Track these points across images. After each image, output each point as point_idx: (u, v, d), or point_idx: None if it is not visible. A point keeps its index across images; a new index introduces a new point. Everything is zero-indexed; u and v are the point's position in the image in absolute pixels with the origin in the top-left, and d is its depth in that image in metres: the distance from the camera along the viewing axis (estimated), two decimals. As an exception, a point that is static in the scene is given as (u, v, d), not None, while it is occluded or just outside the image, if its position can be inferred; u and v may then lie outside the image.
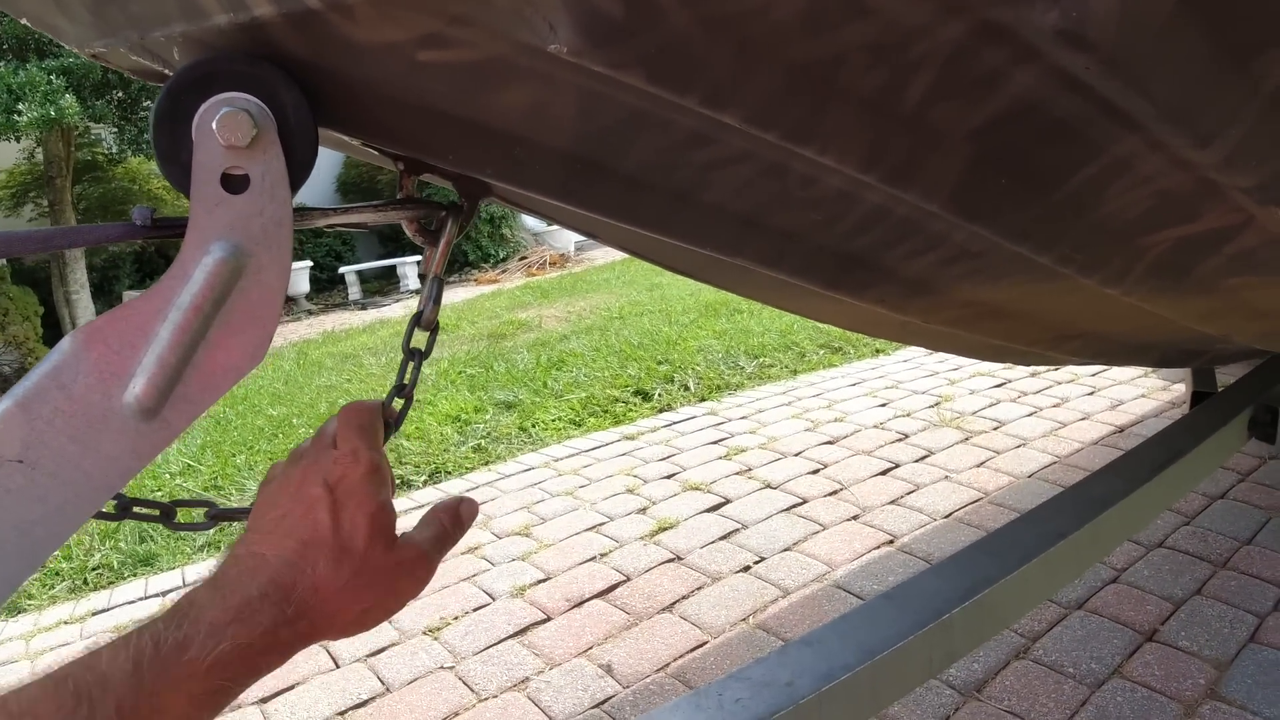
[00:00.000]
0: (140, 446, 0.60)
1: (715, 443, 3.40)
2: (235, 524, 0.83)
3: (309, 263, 12.67)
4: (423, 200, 0.78)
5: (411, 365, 0.79)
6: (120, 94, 10.45)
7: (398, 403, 0.77)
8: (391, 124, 0.67)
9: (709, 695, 1.04)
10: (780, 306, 1.25)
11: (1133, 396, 3.36)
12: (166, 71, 0.64)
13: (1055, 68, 0.53)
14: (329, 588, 0.53)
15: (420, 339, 0.79)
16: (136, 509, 0.80)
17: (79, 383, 0.58)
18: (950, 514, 2.51)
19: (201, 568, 2.90)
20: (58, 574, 2.98)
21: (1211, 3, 0.52)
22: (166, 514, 0.81)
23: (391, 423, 0.73)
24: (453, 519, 0.63)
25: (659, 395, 4.18)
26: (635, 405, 4.10)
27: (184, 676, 0.47)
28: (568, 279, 10.28)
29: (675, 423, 3.77)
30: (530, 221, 13.85)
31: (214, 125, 0.57)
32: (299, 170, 0.62)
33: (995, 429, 3.17)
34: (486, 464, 3.56)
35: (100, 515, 0.75)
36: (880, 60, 0.52)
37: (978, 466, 2.83)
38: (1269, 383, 2.01)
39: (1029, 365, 2.44)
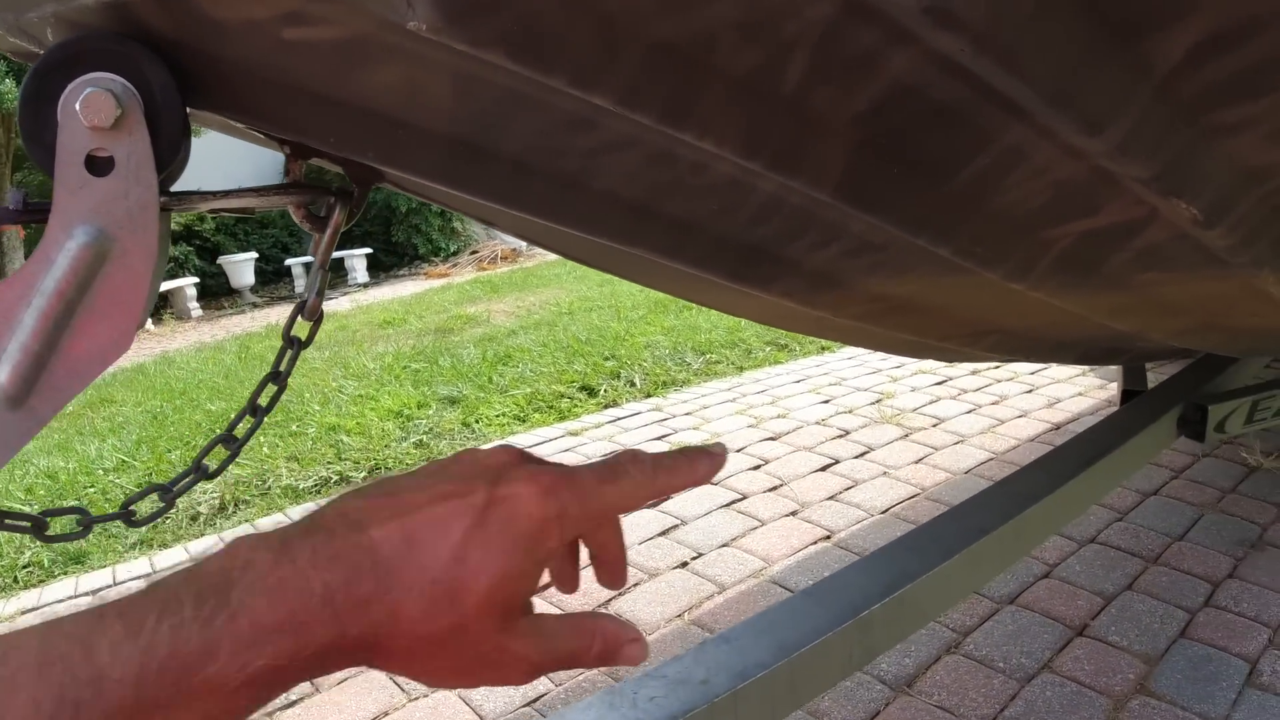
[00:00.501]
0: (7, 435, 0.59)
1: (659, 439, 3.39)
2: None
3: (254, 255, 12.47)
4: (308, 185, 0.75)
5: (289, 354, 0.78)
6: (61, 81, 10.24)
7: (270, 390, 0.77)
8: (266, 105, 0.65)
9: (623, 694, 1.02)
10: (690, 299, 1.23)
11: (1070, 395, 3.41)
12: (41, 52, 0.62)
13: (929, 49, 0.51)
14: (407, 628, 0.39)
15: (302, 328, 0.78)
16: (8, 520, 0.78)
17: None
18: (887, 509, 2.52)
19: (134, 566, 2.83)
20: (-14, 572, 2.90)
21: None
22: (38, 525, 0.78)
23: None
24: (602, 650, 0.46)
25: (605, 391, 4.17)
26: (581, 401, 4.08)
27: (201, 693, 0.35)
28: (519, 274, 10.23)
29: (620, 418, 3.75)
30: (483, 216, 13.77)
31: (78, 106, 0.56)
32: (168, 152, 0.60)
33: (935, 426, 3.19)
34: (428, 460, 3.51)
35: None
36: (748, 41, 0.51)
37: (916, 463, 2.85)
38: (1199, 381, 2.04)
39: (949, 361, 2.46)
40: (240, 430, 0.83)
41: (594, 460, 0.46)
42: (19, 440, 0.60)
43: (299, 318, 0.79)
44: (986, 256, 0.77)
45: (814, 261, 0.82)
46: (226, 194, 0.76)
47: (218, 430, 3.72)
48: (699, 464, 0.47)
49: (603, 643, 0.45)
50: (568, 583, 0.50)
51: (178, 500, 0.86)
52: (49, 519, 0.82)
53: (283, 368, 0.80)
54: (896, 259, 0.81)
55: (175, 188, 0.67)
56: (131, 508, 0.86)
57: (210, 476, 0.83)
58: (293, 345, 0.79)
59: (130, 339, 0.62)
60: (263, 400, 0.82)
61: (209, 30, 0.57)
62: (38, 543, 3.08)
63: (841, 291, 0.90)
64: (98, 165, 0.58)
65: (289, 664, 0.37)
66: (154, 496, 0.85)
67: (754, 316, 1.29)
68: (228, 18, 0.56)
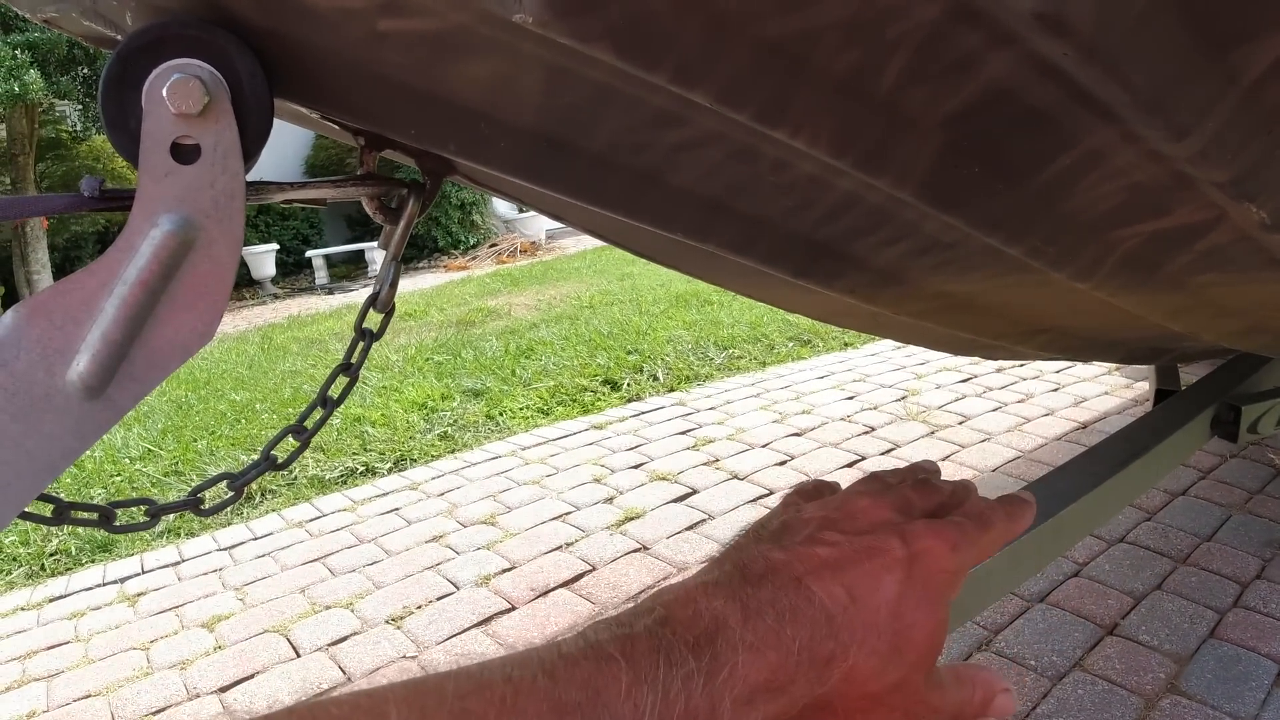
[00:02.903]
0: (84, 426, 0.58)
1: (683, 433, 3.39)
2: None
3: (275, 246, 12.53)
4: (384, 177, 0.76)
5: (361, 345, 0.79)
6: (86, 70, 10.30)
7: (341, 381, 0.77)
8: (351, 96, 0.65)
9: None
10: (749, 295, 1.23)
11: (1096, 393, 3.39)
12: (119, 37, 0.62)
13: (1032, 53, 0.52)
14: (859, 687, 0.39)
15: (374, 319, 0.78)
16: (75, 513, 0.78)
17: (21, 359, 0.56)
18: (915, 507, 2.52)
19: (161, 554, 2.85)
20: (15, 559, 2.93)
21: None
22: (105, 517, 0.79)
23: None
24: (983, 699, 0.46)
25: (628, 385, 4.17)
26: (604, 395, 4.08)
27: None
28: (538, 267, 10.24)
29: (643, 413, 3.76)
30: (501, 208, 13.79)
31: (164, 92, 0.55)
32: (253, 141, 0.60)
33: (960, 423, 3.18)
34: (453, 452, 3.53)
35: (38, 519, 0.73)
36: (854, 41, 0.51)
37: (942, 460, 2.84)
38: (1232, 382, 2.03)
39: (996, 359, 2.45)
40: (310, 421, 0.83)
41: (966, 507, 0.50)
42: (95, 432, 0.59)
43: (370, 309, 0.80)
44: (1056, 256, 0.77)
45: (880, 259, 0.82)
46: (303, 185, 0.76)
47: (243, 420, 3.76)
48: (1024, 515, 0.51)
49: (983, 693, 0.45)
50: None
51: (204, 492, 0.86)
52: (117, 510, 0.82)
53: (354, 359, 0.80)
54: (965, 257, 0.82)
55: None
56: (200, 495, 0.86)
57: (279, 467, 0.84)
58: (364, 337, 0.80)
59: (214, 329, 0.62)
60: (334, 392, 0.82)
61: (299, 18, 0.57)
62: (64, 531, 3.11)
63: (904, 288, 0.90)
64: (183, 153, 0.57)
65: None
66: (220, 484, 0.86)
67: (809, 312, 1.29)
68: (321, 6, 0.56)
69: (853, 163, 0.61)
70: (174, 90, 0.55)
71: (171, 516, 3.06)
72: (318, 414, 0.82)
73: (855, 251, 0.81)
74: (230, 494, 0.84)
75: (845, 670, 0.38)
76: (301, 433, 0.83)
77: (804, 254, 0.80)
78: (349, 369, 0.80)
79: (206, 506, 0.86)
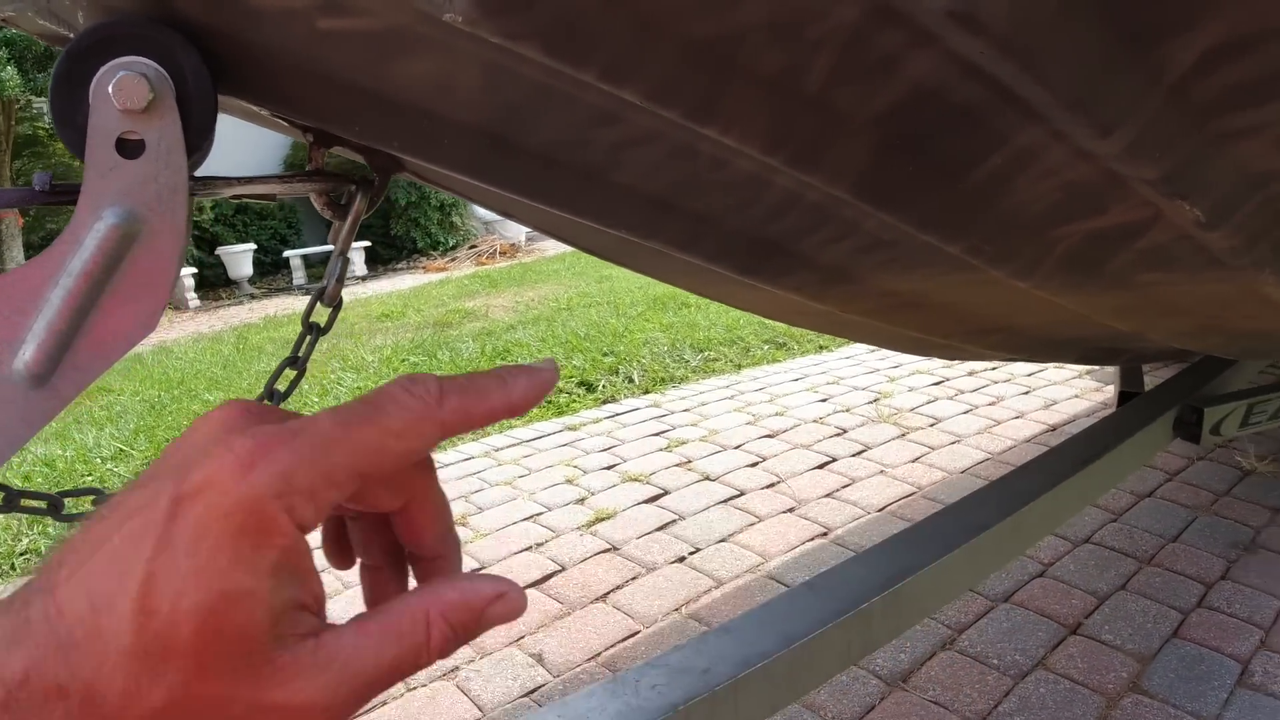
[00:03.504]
0: (30, 414, 0.59)
1: (657, 434, 3.40)
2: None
3: (252, 246, 12.46)
4: (332, 173, 0.77)
5: (308, 340, 0.80)
6: (62, 67, 10.23)
7: (288, 376, 0.78)
8: (296, 93, 0.66)
9: (626, 682, 1.04)
10: (699, 293, 1.25)
11: (1066, 396, 3.43)
12: (72, 36, 0.63)
13: (951, 52, 0.53)
14: (108, 717, 0.27)
15: (322, 314, 0.79)
16: (25, 501, 0.79)
17: None
18: (884, 508, 2.54)
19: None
20: (-19, 559, 2.90)
21: None
22: (54, 505, 0.79)
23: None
24: (447, 634, 0.32)
25: (603, 386, 4.18)
26: (579, 396, 4.09)
27: None
28: (517, 269, 10.23)
29: (618, 414, 3.76)
30: (481, 210, 13.76)
31: (110, 89, 0.56)
32: (197, 136, 0.61)
33: (931, 425, 3.21)
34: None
35: None
36: (778, 40, 0.52)
37: (913, 462, 2.87)
38: (1196, 384, 2.06)
39: (951, 359, 2.48)
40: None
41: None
42: (41, 419, 0.60)
43: (318, 304, 0.80)
44: (994, 254, 0.79)
45: (826, 257, 0.83)
46: (250, 180, 0.77)
47: (217, 419, 3.73)
48: (515, 384, 0.34)
49: (445, 624, 0.32)
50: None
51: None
52: (65, 499, 0.83)
53: (301, 353, 0.81)
54: (907, 255, 0.83)
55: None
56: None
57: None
58: (312, 331, 0.81)
59: (156, 320, 0.63)
60: (281, 385, 0.83)
61: (243, 16, 0.58)
62: (34, 530, 3.09)
63: (851, 287, 0.92)
64: (128, 148, 0.58)
65: None
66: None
67: (761, 311, 1.30)
68: (264, 5, 0.57)
69: (786, 160, 0.62)
70: (119, 87, 0.56)
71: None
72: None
73: (800, 249, 0.82)
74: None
75: (81, 701, 0.27)
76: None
77: (749, 251, 0.81)
78: (295, 362, 0.81)
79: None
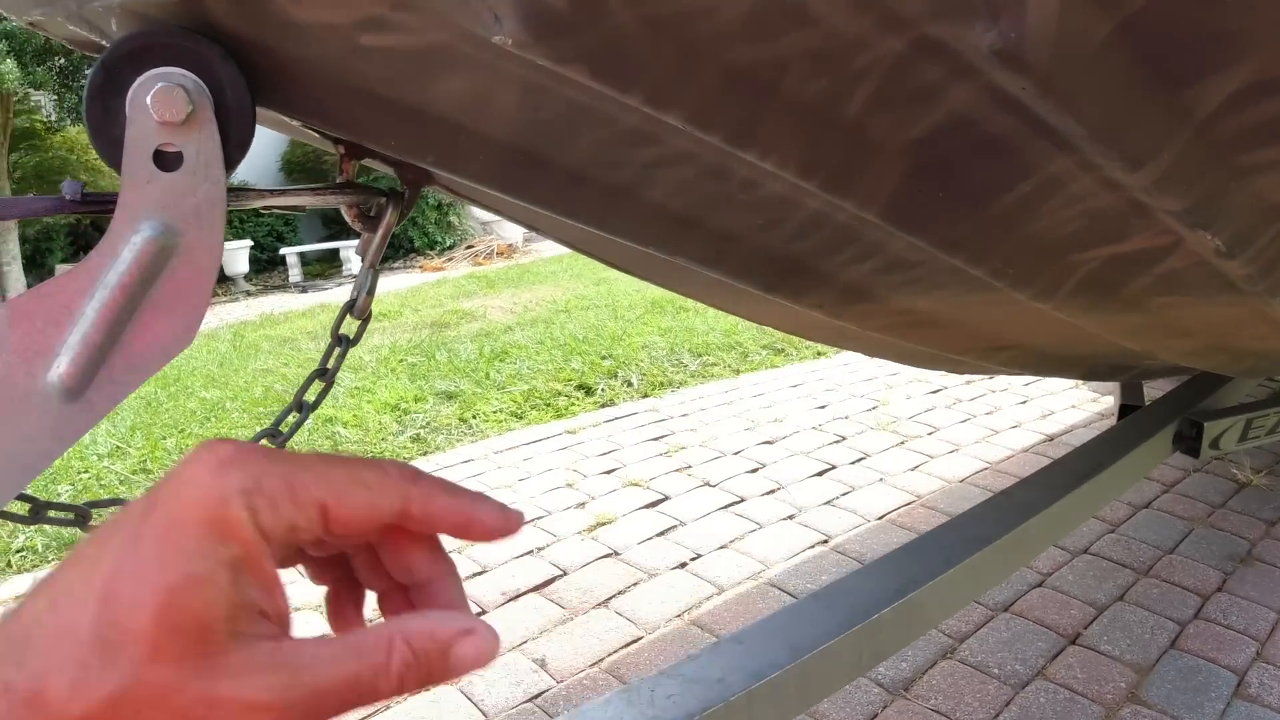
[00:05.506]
0: (62, 428, 0.58)
1: (656, 439, 3.40)
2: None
3: (249, 242, 12.41)
4: (363, 185, 0.77)
5: (337, 352, 0.80)
6: (62, 61, 10.20)
7: (317, 386, 0.78)
8: (332, 107, 0.66)
9: (641, 691, 1.04)
10: (718, 307, 1.26)
11: (1063, 407, 3.45)
12: (103, 43, 0.62)
13: (991, 86, 0.54)
14: (57, 711, 0.27)
15: (350, 326, 0.79)
16: (52, 513, 0.78)
17: (1, 361, 0.57)
18: (883, 516, 2.55)
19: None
20: (-20, 556, 2.89)
21: (1145, 35, 0.54)
22: (82, 516, 0.79)
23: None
24: (409, 662, 0.32)
25: (602, 390, 4.18)
26: (578, 399, 4.09)
27: None
28: (514, 270, 10.22)
29: (617, 418, 3.76)
30: (478, 210, 13.75)
31: (148, 100, 0.56)
32: (235, 149, 0.61)
33: (930, 434, 3.22)
34: (425, 454, 3.52)
35: (14, 518, 0.73)
36: (821, 69, 0.53)
37: (912, 470, 2.88)
38: (1195, 398, 2.08)
39: (961, 374, 2.49)
40: (286, 426, 0.84)
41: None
42: (74, 434, 0.59)
43: (347, 316, 0.81)
44: (1018, 277, 0.80)
45: (848, 276, 0.84)
46: (282, 192, 0.78)
47: (213, 418, 3.72)
48: (485, 508, 0.35)
49: (408, 648, 0.32)
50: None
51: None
52: (93, 510, 0.82)
53: (330, 365, 0.81)
54: (929, 276, 0.84)
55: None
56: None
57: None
58: (341, 343, 0.81)
59: (193, 334, 0.63)
60: (309, 397, 0.83)
61: (283, 31, 0.58)
62: (31, 528, 3.08)
63: (870, 305, 0.93)
64: (166, 160, 0.58)
65: None
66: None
67: (778, 325, 1.31)
68: (305, 20, 0.57)
69: (820, 184, 0.63)
70: (158, 99, 0.56)
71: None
72: (293, 418, 0.83)
73: (823, 268, 0.83)
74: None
75: (26, 696, 0.27)
76: (277, 436, 0.84)
77: (773, 269, 0.82)
78: (324, 374, 0.81)
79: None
